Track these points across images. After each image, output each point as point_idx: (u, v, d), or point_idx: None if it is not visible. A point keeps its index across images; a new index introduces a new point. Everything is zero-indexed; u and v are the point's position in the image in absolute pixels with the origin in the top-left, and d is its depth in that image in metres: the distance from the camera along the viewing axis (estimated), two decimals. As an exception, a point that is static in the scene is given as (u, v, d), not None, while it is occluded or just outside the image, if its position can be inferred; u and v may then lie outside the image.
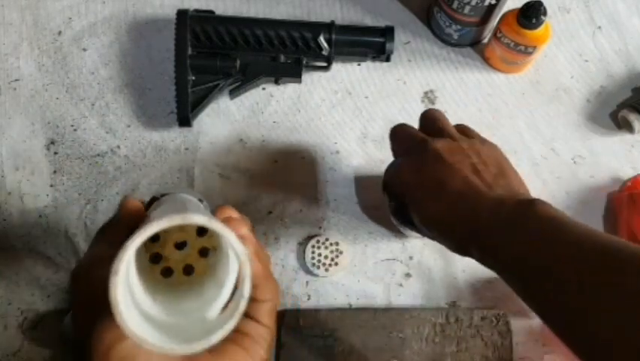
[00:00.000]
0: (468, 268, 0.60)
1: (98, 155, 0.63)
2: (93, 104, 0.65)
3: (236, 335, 0.29)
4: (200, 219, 0.25)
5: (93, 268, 0.29)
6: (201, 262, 0.34)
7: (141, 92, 0.65)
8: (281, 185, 0.63)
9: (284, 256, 0.60)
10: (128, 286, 0.26)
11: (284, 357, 0.55)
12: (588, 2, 0.70)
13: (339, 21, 0.65)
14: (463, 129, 0.46)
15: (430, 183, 0.40)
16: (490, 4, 0.60)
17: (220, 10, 0.67)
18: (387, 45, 0.64)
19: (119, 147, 0.63)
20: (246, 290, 0.26)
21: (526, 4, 0.59)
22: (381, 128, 0.65)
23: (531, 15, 0.58)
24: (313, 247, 0.59)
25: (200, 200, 0.44)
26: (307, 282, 0.59)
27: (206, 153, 0.63)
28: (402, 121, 0.64)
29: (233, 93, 0.64)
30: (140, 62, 0.66)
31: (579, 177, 0.63)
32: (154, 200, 0.42)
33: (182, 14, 0.62)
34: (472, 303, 0.59)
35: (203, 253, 0.34)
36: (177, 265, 0.34)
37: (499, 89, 0.67)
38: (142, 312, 0.26)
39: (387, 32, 0.64)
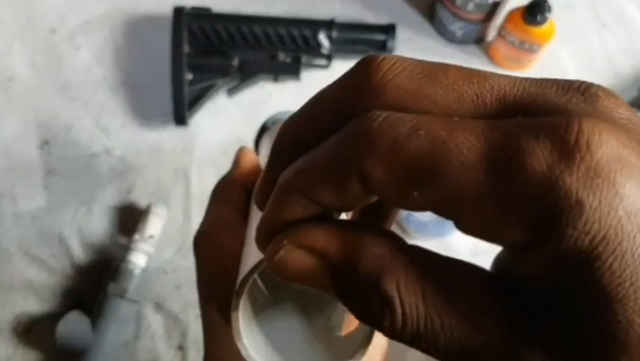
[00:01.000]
0: (471, 271, 0.58)
1: (93, 155, 0.62)
2: (87, 104, 0.64)
3: None
4: None
5: (214, 232, 0.27)
6: None
7: (137, 91, 0.64)
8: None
9: (283, 259, 0.59)
10: (249, 309, 0.22)
11: None
12: (594, 0, 0.69)
13: (339, 18, 0.63)
14: None
15: None
16: (494, 1, 0.59)
17: (217, 7, 0.66)
18: (389, 43, 0.63)
19: (113, 147, 0.62)
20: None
21: (532, 1, 0.57)
22: (382, 128, 0.63)
23: (536, 12, 0.57)
24: (313, 249, 0.58)
25: None
26: (306, 286, 0.58)
27: (203, 153, 0.62)
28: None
29: (231, 92, 0.63)
30: (136, 61, 0.65)
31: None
32: (264, 130, 0.40)
33: (178, 11, 0.61)
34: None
35: None
36: None
37: (503, 87, 0.65)
38: (267, 331, 0.23)
39: (389, 30, 0.63)
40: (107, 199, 0.61)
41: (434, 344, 0.11)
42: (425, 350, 0.12)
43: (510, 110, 0.12)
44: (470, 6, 0.60)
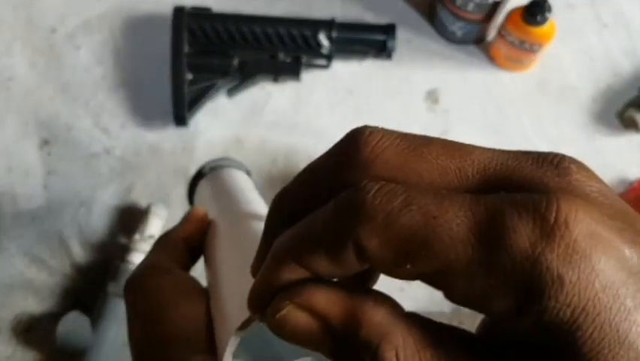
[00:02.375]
0: (471, 271, 0.58)
1: (93, 155, 0.62)
2: (87, 104, 0.64)
3: None
4: None
5: (150, 277, 0.26)
6: None
7: (136, 90, 0.64)
8: (280, 185, 0.61)
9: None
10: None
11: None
12: (594, 0, 0.69)
13: (339, 18, 0.63)
14: None
15: None
16: (494, 1, 0.59)
17: (217, 7, 0.66)
18: (389, 43, 0.63)
19: (113, 147, 0.62)
20: None
21: (532, 1, 0.57)
22: (382, 128, 0.63)
23: (536, 12, 0.57)
24: (313, 249, 0.58)
25: (248, 172, 0.41)
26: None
27: (203, 153, 0.62)
28: (404, 121, 0.62)
29: (231, 92, 0.63)
30: (136, 60, 0.65)
31: (585, 178, 0.62)
32: (200, 176, 0.39)
33: (178, 11, 0.61)
34: (476, 307, 0.58)
35: None
36: None
37: (504, 88, 0.65)
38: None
39: (389, 30, 0.63)
40: (107, 199, 0.61)
41: None
42: None
43: (490, 182, 0.13)
44: (470, 6, 0.60)
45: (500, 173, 0.13)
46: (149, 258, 0.28)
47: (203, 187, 0.38)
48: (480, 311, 0.12)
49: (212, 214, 0.31)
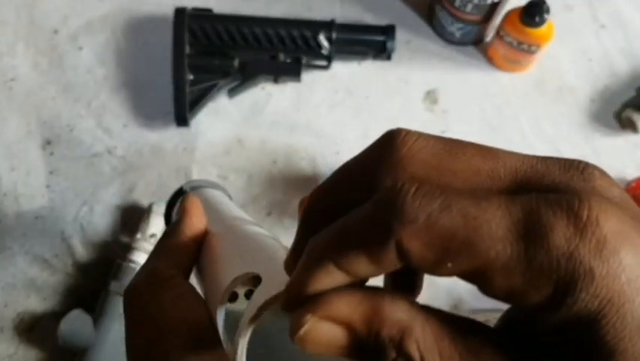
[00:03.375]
0: (470, 270, 0.59)
1: (95, 155, 0.62)
2: (89, 104, 0.64)
3: None
4: None
5: (153, 286, 0.25)
6: None
7: (138, 91, 0.65)
8: (280, 185, 0.62)
9: (283, 258, 0.59)
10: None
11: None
12: (592, 0, 0.69)
13: (339, 19, 0.64)
14: None
15: None
16: (492, 2, 0.59)
17: (218, 8, 0.66)
18: (388, 44, 0.63)
19: (115, 147, 0.63)
20: None
21: (530, 3, 0.58)
22: (382, 129, 0.63)
23: (534, 13, 0.57)
24: (313, 248, 0.59)
25: (230, 197, 0.42)
26: (307, 284, 0.59)
27: (204, 154, 0.63)
28: (403, 121, 0.63)
29: (232, 92, 0.64)
30: (137, 61, 0.66)
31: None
32: (180, 194, 0.40)
33: (179, 12, 0.61)
34: (475, 306, 0.58)
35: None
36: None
37: (502, 88, 0.66)
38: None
39: (388, 31, 0.63)
40: (109, 199, 0.61)
41: None
42: None
43: (520, 184, 0.14)
44: (469, 7, 0.60)
45: (530, 176, 0.14)
46: (150, 263, 0.27)
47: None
48: (516, 304, 0.13)
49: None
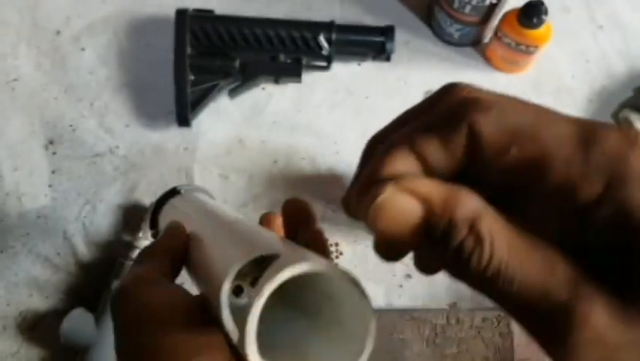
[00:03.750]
0: (469, 268, 0.59)
1: (97, 155, 0.63)
2: (92, 104, 0.65)
3: None
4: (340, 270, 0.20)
5: (139, 288, 0.26)
6: None
7: (140, 91, 0.65)
8: (281, 185, 0.62)
9: (284, 257, 0.60)
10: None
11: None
12: (589, 2, 0.70)
13: (338, 20, 0.64)
14: None
15: None
16: (491, 3, 0.60)
17: (219, 9, 0.67)
18: (388, 45, 0.64)
19: (117, 146, 0.63)
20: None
21: (527, 4, 0.58)
22: (381, 128, 0.64)
23: (532, 14, 0.58)
24: (313, 247, 0.59)
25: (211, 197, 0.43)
26: (307, 283, 0.59)
27: (205, 153, 0.63)
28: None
29: (233, 93, 0.64)
30: (139, 62, 0.66)
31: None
32: (167, 196, 0.40)
33: (181, 13, 0.62)
34: (473, 304, 0.58)
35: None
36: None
37: (501, 89, 0.65)
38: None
39: (388, 32, 0.64)
40: (111, 198, 0.61)
41: (508, 287, 0.14)
42: (496, 293, 0.14)
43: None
44: (467, 8, 0.61)
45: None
46: (134, 270, 0.28)
47: (174, 204, 0.39)
48: (568, 197, 0.14)
49: (189, 226, 0.32)
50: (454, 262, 0.14)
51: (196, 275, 0.29)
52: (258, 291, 0.19)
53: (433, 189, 0.14)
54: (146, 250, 0.30)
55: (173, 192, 0.41)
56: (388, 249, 0.15)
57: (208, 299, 0.25)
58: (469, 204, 0.14)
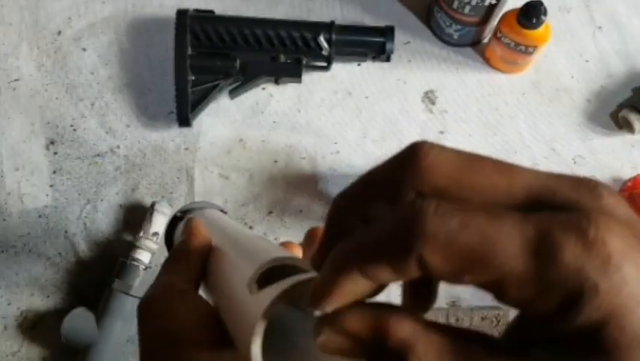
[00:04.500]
0: (468, 268, 0.59)
1: (98, 155, 0.63)
2: (93, 104, 0.65)
3: None
4: None
5: (168, 298, 0.26)
6: None
7: (141, 92, 0.65)
8: (281, 185, 0.62)
9: (284, 257, 0.60)
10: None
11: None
12: (588, 2, 0.70)
13: (339, 21, 0.64)
14: None
15: None
16: (490, 3, 0.60)
17: (220, 10, 0.67)
18: (388, 45, 0.64)
19: (118, 146, 0.63)
20: None
21: (527, 4, 0.58)
22: (381, 128, 0.64)
23: (531, 15, 0.58)
24: (313, 247, 0.59)
25: (224, 212, 0.43)
26: (307, 282, 0.59)
27: (206, 153, 0.63)
28: (403, 121, 0.63)
29: (233, 93, 0.64)
30: (140, 62, 0.66)
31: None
32: (181, 216, 0.41)
33: (181, 14, 0.62)
34: (473, 303, 0.59)
35: None
36: None
37: (500, 89, 0.67)
38: None
39: (388, 32, 0.64)
40: (112, 198, 0.62)
41: None
42: None
43: (533, 199, 0.15)
44: (467, 9, 0.61)
45: (543, 192, 0.15)
46: (164, 277, 0.28)
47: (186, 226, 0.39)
48: (526, 313, 0.14)
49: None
50: None
51: (207, 290, 0.29)
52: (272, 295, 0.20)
53: (361, 324, 0.15)
54: (177, 253, 0.30)
55: (175, 219, 0.41)
56: None
57: (223, 313, 0.25)
58: (399, 335, 0.15)
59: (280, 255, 0.23)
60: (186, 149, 0.63)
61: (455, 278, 0.14)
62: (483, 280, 0.14)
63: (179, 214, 0.41)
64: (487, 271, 0.14)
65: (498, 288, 0.14)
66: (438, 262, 0.14)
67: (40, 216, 0.61)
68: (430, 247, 0.14)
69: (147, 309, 0.26)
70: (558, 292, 0.13)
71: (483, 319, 0.57)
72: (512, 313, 0.57)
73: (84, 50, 0.67)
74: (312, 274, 0.21)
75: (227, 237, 0.33)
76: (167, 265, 0.29)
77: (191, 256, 0.29)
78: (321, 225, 0.57)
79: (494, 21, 0.64)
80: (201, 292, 0.29)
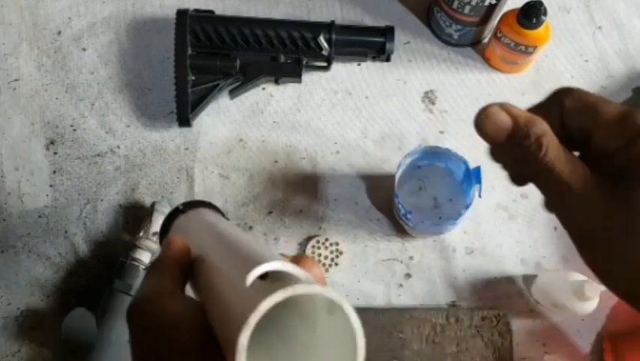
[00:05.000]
0: (468, 268, 0.60)
1: (98, 155, 0.63)
2: (93, 104, 0.65)
3: None
4: (335, 294, 0.22)
5: (153, 301, 0.27)
6: None
7: (141, 92, 0.65)
8: (281, 185, 0.62)
9: (284, 257, 0.60)
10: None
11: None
12: (588, 2, 0.70)
13: (339, 21, 0.65)
14: None
15: None
16: (490, 3, 0.60)
17: (220, 10, 0.67)
18: (388, 45, 0.64)
19: (118, 146, 0.63)
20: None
21: (527, 4, 0.58)
22: (381, 128, 0.65)
23: (531, 15, 0.58)
24: (313, 247, 0.59)
25: (223, 214, 0.43)
26: (307, 282, 0.59)
27: (206, 153, 0.63)
28: (403, 121, 0.63)
29: (233, 93, 0.64)
30: (140, 62, 0.66)
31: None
32: (177, 212, 0.41)
33: (181, 14, 0.62)
34: (473, 303, 0.59)
35: None
36: None
37: (500, 89, 0.67)
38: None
39: (388, 32, 0.64)
40: (112, 197, 0.62)
41: (550, 172, 0.22)
42: (543, 177, 0.23)
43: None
44: (467, 9, 0.61)
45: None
46: (150, 282, 0.29)
47: (184, 220, 0.40)
48: (603, 145, 0.23)
49: (196, 241, 0.33)
50: (523, 155, 0.22)
51: (200, 289, 0.30)
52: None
53: (521, 113, 0.23)
54: (158, 262, 0.31)
55: (176, 212, 0.42)
56: (492, 151, 0.24)
57: (211, 311, 0.26)
58: (540, 127, 0.22)
59: (288, 265, 0.23)
60: (186, 149, 0.63)
61: (571, 118, 0.23)
62: (589, 121, 0.23)
63: (181, 207, 0.42)
64: (594, 114, 0.23)
65: (594, 126, 0.23)
66: (569, 104, 0.23)
67: (40, 216, 0.61)
68: (569, 96, 0.24)
69: (138, 311, 0.27)
70: (628, 136, 0.22)
71: (483, 319, 0.57)
72: (512, 313, 0.57)
73: (84, 50, 0.67)
74: (309, 283, 0.22)
75: (219, 234, 0.33)
76: (148, 274, 0.30)
77: (171, 262, 0.31)
78: (321, 225, 0.58)
79: (494, 21, 0.64)
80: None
